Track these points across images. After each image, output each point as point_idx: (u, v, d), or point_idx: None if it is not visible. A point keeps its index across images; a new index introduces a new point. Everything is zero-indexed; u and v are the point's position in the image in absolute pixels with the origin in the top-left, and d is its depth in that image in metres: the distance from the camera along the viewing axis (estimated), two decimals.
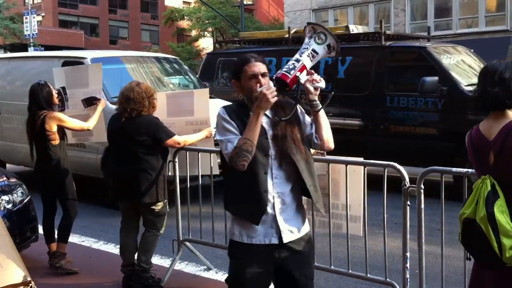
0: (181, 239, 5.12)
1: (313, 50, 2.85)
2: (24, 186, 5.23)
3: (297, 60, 2.84)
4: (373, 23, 30.36)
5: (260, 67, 2.82)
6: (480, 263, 2.83)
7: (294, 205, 2.90)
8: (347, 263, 4.20)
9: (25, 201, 5.14)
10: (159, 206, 4.58)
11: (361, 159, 4.04)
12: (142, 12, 52.15)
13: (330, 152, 3.31)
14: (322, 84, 2.83)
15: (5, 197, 5.02)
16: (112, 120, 4.68)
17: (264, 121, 2.81)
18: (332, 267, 4.27)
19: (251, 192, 2.78)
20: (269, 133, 2.83)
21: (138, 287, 4.60)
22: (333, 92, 3.06)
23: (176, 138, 4.56)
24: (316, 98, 2.86)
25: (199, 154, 4.90)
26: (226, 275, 4.90)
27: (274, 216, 2.82)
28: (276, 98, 2.70)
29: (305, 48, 2.86)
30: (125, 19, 51.34)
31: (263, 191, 2.78)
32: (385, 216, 3.93)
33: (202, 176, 4.99)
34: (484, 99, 2.77)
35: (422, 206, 3.58)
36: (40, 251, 5.38)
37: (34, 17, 33.37)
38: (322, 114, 2.91)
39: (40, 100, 5.04)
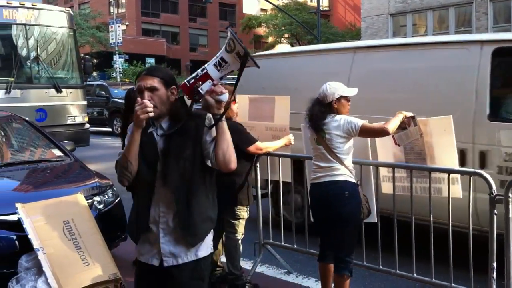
0: (262, 242, 5.23)
1: (222, 59, 2.59)
2: (114, 187, 5.52)
3: (202, 69, 2.62)
4: (453, 27, 29.47)
5: (147, 81, 2.65)
6: None
7: (179, 224, 2.70)
8: (431, 272, 4.17)
9: (115, 201, 5.42)
10: (241, 210, 4.70)
11: (445, 167, 4.02)
12: (220, 20, 53.23)
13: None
14: (224, 97, 2.58)
15: (97, 198, 5.33)
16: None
17: (159, 134, 2.70)
18: (415, 275, 4.25)
19: (136, 208, 2.78)
20: (160, 148, 2.69)
21: None
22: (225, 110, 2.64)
23: (259, 144, 4.65)
24: (219, 112, 2.62)
25: (280, 160, 5.01)
26: (306, 279, 5.05)
27: (158, 237, 2.71)
28: (150, 115, 2.54)
29: (216, 57, 2.63)
30: (204, 27, 52.60)
31: (145, 208, 2.70)
32: (470, 222, 3.87)
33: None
34: None
35: (511, 215, 3.50)
36: (129, 250, 5.65)
37: (118, 26, 34.84)
38: (221, 129, 2.64)
39: (129, 104, 5.31)
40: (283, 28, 42.42)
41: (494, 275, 3.65)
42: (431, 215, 4.12)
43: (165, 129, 2.69)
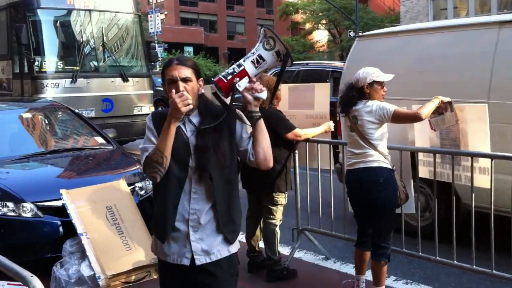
0: (300, 228, 5.25)
1: (259, 56, 2.52)
2: None
3: (239, 65, 2.53)
4: (495, 10, 28.63)
5: (181, 71, 2.52)
6: None
7: (215, 223, 2.60)
8: (472, 259, 4.12)
9: None
10: (279, 196, 4.72)
11: (488, 152, 3.95)
12: (257, 7, 53.12)
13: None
14: (263, 94, 2.51)
15: (139, 184, 5.44)
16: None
17: (189, 129, 2.57)
18: (455, 261, 4.20)
19: (162, 206, 2.59)
20: (192, 143, 2.56)
21: (273, 280, 4.73)
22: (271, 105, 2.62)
23: (297, 131, 4.65)
24: (256, 109, 2.53)
25: (319, 146, 5.00)
26: (344, 265, 5.06)
27: (188, 235, 2.57)
28: (189, 107, 2.42)
29: (252, 53, 2.55)
30: (241, 15, 52.58)
31: (173, 206, 2.55)
32: None
33: None
34: None
35: None
36: None
37: (158, 16, 35.18)
38: (260, 127, 2.56)
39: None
40: (320, 14, 42.01)
41: None
42: (473, 202, 4.06)
43: (195, 123, 2.58)
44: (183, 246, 2.58)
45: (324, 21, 43.18)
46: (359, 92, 4.00)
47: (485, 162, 4.06)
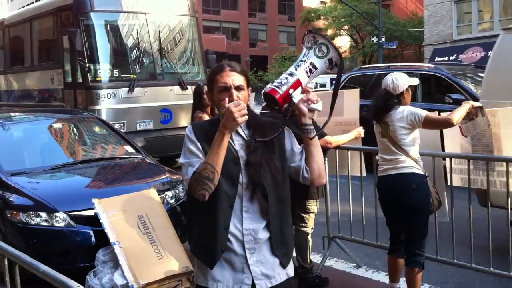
0: (331, 235, 5.23)
1: (312, 64, 2.35)
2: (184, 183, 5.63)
3: (291, 74, 2.33)
4: None
5: (234, 78, 2.34)
6: None
7: (269, 244, 2.38)
8: (509, 265, 4.05)
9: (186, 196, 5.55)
10: (311, 204, 4.70)
11: None
12: (279, 14, 53.22)
13: None
14: (319, 106, 2.36)
15: (169, 193, 5.48)
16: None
17: (237, 142, 2.36)
18: (491, 268, 4.15)
19: (210, 228, 2.33)
20: (242, 157, 2.35)
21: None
22: (331, 117, 2.46)
23: (328, 138, 4.63)
24: (310, 122, 2.36)
25: (349, 153, 4.98)
26: (376, 273, 5.01)
27: (245, 258, 2.33)
28: (246, 118, 2.21)
29: (302, 61, 2.36)
30: (263, 22, 52.73)
31: (224, 227, 2.31)
32: None
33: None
34: None
35: None
36: None
37: None
38: (315, 142, 2.40)
39: (195, 100, 5.44)
40: (342, 20, 41.91)
41: None
42: (509, 207, 4.00)
43: (244, 136, 2.38)
44: (240, 271, 2.33)
45: (346, 27, 43.08)
46: (398, 98, 3.99)
47: None
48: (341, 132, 4.96)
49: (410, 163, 3.93)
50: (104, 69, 9.90)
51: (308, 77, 2.36)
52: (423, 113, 3.89)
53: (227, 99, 2.26)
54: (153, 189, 5.25)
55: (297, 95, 2.32)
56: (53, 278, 2.01)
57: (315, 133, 2.38)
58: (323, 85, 33.96)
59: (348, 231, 5.19)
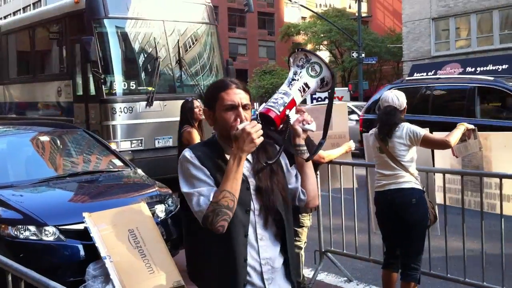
0: (323, 250, 5.23)
1: (305, 84, 2.24)
2: (174, 196, 5.61)
3: (286, 94, 2.21)
4: (498, 31, 28.87)
5: (241, 96, 2.19)
6: None
7: (283, 270, 2.27)
8: (501, 280, 4.10)
9: (176, 210, 5.51)
10: (305, 218, 4.71)
11: None
12: (259, 29, 53.53)
13: None
14: (313, 126, 2.31)
15: (159, 206, 5.42)
16: None
17: (244, 167, 2.14)
18: (484, 283, 4.19)
19: (229, 261, 2.14)
20: (252, 183, 2.21)
21: None
22: (325, 139, 2.35)
23: (321, 153, 4.65)
24: (303, 142, 2.30)
25: (341, 167, 5.01)
26: (367, 287, 5.02)
27: None
28: (262, 139, 2.07)
29: (294, 80, 2.25)
30: (243, 36, 53.00)
31: (243, 260, 2.14)
32: None
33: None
34: None
35: None
36: None
37: None
38: (309, 163, 2.33)
39: (182, 115, 5.43)
40: (322, 35, 42.38)
41: None
42: (502, 227, 4.06)
43: (250, 159, 2.24)
44: None
45: (325, 42, 43.52)
46: (402, 114, 4.05)
47: (510, 189, 4.06)
48: (331, 146, 4.99)
49: (409, 178, 3.98)
50: (119, 81, 9.17)
51: (302, 96, 2.27)
52: (422, 132, 3.96)
53: (239, 120, 2.13)
54: (143, 202, 5.20)
55: (292, 115, 2.25)
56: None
57: (307, 154, 2.30)
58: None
59: (340, 245, 5.20)
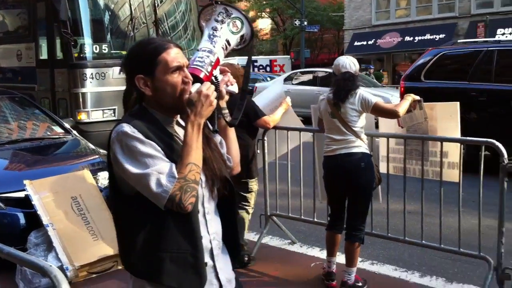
0: (268, 214, 5.31)
1: (227, 41, 2.06)
2: None
3: (211, 52, 2.01)
4: (436, 1, 29.61)
5: (182, 55, 1.96)
6: None
7: (222, 244, 2.10)
8: (438, 238, 4.30)
9: None
10: (252, 183, 4.75)
11: (457, 137, 4.13)
12: None
13: None
14: (235, 88, 2.14)
15: (102, 173, 5.33)
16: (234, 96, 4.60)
17: (181, 136, 1.96)
18: (423, 241, 4.38)
19: (190, 242, 1.91)
20: None
21: (237, 268, 4.71)
22: (245, 100, 2.19)
23: (267, 118, 4.67)
24: (226, 105, 2.13)
25: (288, 133, 5.07)
26: (311, 249, 5.15)
27: (214, 268, 2.02)
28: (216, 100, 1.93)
29: (216, 36, 2.04)
30: None
31: (200, 239, 1.94)
32: (481, 191, 4.00)
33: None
34: None
35: None
36: None
37: None
38: (232, 128, 2.18)
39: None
40: (264, 2, 42.15)
41: (503, 240, 3.78)
42: (441, 191, 4.23)
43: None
44: (210, 283, 1.99)
45: (267, 9, 43.35)
46: (357, 81, 4.12)
47: (454, 157, 4.22)
48: (269, 112, 4.90)
49: (359, 143, 4.06)
50: (90, 44, 8.34)
51: (224, 54, 2.07)
52: (374, 99, 4.03)
53: (190, 82, 1.92)
54: (86, 170, 5.11)
55: (219, 76, 2.06)
56: (23, 259, 1.91)
57: (236, 118, 2.12)
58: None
59: (285, 209, 5.29)
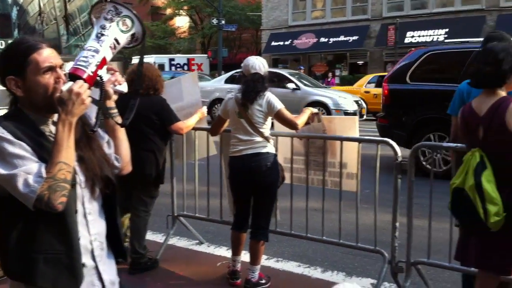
0: (175, 214, 5.26)
1: (116, 40, 2.03)
2: None
3: (97, 51, 1.97)
4: (350, 3, 30.56)
5: (55, 55, 1.94)
6: (467, 229, 3.04)
7: (106, 245, 2.10)
8: (337, 234, 4.44)
9: None
10: (157, 189, 4.70)
11: (355, 137, 4.26)
12: None
13: None
14: (124, 87, 2.16)
15: None
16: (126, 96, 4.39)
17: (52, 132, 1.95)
18: (324, 237, 4.50)
19: (66, 243, 1.89)
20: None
21: (138, 273, 4.59)
22: (138, 100, 2.15)
23: (181, 124, 4.59)
24: (114, 105, 2.13)
25: (196, 133, 5.05)
26: (218, 248, 5.16)
27: (96, 269, 2.02)
28: (91, 99, 1.89)
29: (104, 35, 2.01)
30: None
31: (77, 239, 1.92)
32: (377, 188, 4.17)
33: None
34: (478, 76, 2.97)
35: (413, 179, 3.87)
36: None
37: None
38: (122, 128, 2.17)
39: None
40: (182, 0, 41.82)
41: (397, 234, 3.96)
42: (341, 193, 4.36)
43: None
44: (91, 284, 1.99)
45: (186, 7, 43.02)
46: (266, 82, 4.14)
47: (352, 168, 4.35)
48: (183, 117, 4.83)
49: (265, 143, 4.11)
50: None
51: (112, 53, 2.05)
52: (279, 105, 4.08)
53: (61, 81, 1.90)
54: None
55: (104, 75, 2.04)
56: None
57: (119, 117, 2.13)
58: (162, 65, 33.63)
59: (193, 209, 5.26)
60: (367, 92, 19.94)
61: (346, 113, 15.97)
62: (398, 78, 9.09)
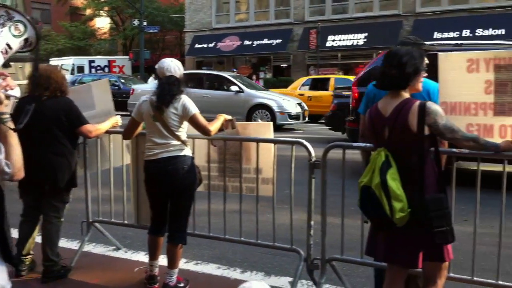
0: (90, 220, 5.11)
1: (7, 45, 2.06)
2: None
3: None
4: (273, 7, 30.98)
5: None
6: (375, 225, 3.14)
7: None
8: (255, 235, 4.47)
9: None
10: (70, 194, 4.55)
11: (271, 138, 4.31)
12: None
13: None
14: (16, 92, 2.16)
15: None
16: (25, 100, 4.01)
17: None
18: (242, 238, 4.53)
19: None
20: None
21: (51, 281, 4.44)
22: (33, 105, 2.19)
23: (89, 126, 4.46)
24: (6, 110, 2.13)
25: (111, 137, 4.94)
26: (136, 254, 5.07)
27: None
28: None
29: None
30: None
31: None
32: (292, 188, 4.23)
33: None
34: (383, 79, 3.08)
35: (326, 178, 3.95)
36: None
37: None
38: (12, 131, 2.16)
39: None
40: (103, 0, 40.85)
41: (312, 232, 4.05)
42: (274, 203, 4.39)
43: None
44: None
45: (106, 8, 42.06)
46: (182, 85, 4.07)
47: (267, 173, 4.39)
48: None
49: (182, 146, 4.06)
50: None
51: (3, 58, 2.04)
52: (194, 110, 4.03)
53: None
54: None
55: None
56: None
57: (11, 122, 2.11)
58: (81, 67, 32.70)
59: (108, 215, 5.13)
60: (301, 94, 20.14)
61: (290, 116, 16.28)
62: (367, 81, 8.94)
